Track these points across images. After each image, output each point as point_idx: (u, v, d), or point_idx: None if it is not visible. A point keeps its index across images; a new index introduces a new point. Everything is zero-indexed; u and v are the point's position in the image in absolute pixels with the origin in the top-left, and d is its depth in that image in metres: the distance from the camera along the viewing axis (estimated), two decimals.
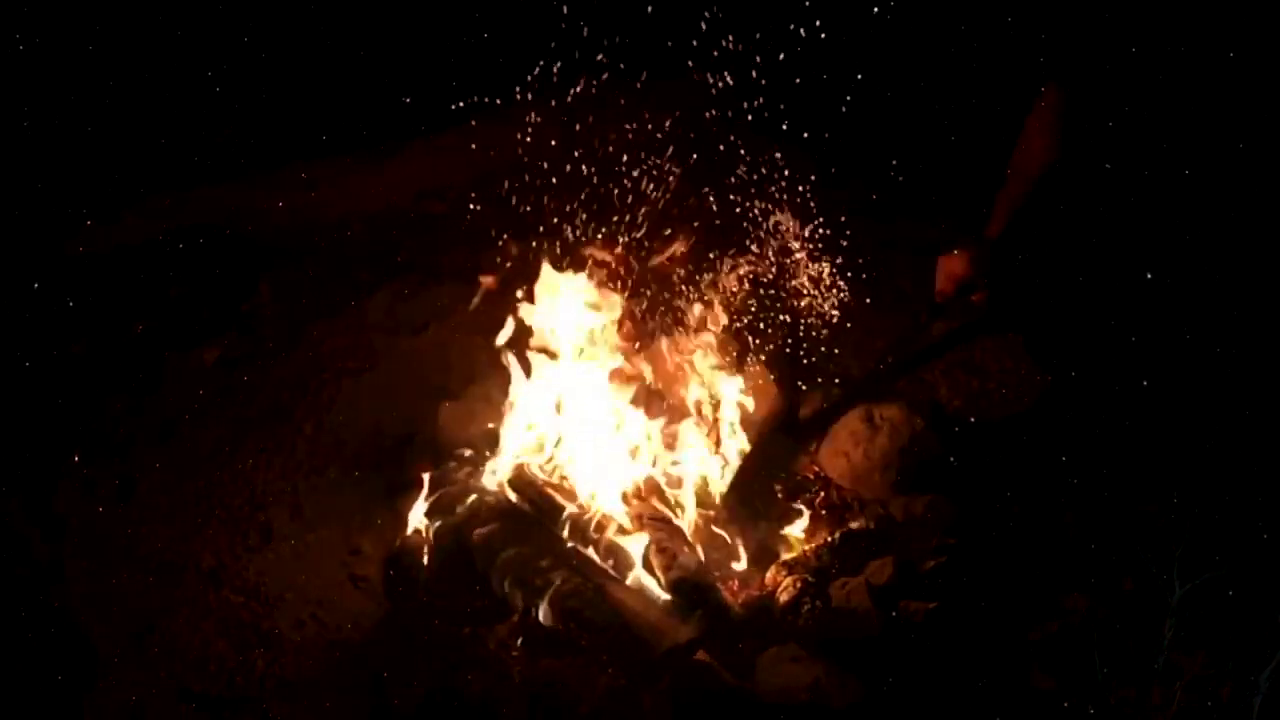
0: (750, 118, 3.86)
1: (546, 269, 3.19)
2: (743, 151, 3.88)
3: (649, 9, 3.91)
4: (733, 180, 3.87)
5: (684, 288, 3.65)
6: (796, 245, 3.72)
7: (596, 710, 2.47)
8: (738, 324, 3.60)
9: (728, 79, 3.79)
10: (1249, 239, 2.77)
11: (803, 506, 3.09)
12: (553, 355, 3.15)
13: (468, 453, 3.18)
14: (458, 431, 3.28)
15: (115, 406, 3.43)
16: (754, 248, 3.76)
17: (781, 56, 3.78)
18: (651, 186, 3.70)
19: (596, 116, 4.09)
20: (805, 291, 3.69)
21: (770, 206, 3.76)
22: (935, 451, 3.11)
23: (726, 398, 3.29)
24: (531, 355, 3.14)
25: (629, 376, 3.23)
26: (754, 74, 3.79)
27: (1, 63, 5.08)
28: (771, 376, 3.44)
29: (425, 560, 2.90)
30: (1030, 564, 2.69)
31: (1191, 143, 2.65)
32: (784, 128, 3.86)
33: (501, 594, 2.75)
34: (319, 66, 5.67)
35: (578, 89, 3.92)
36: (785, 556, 2.89)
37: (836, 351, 3.60)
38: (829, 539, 2.93)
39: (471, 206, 4.17)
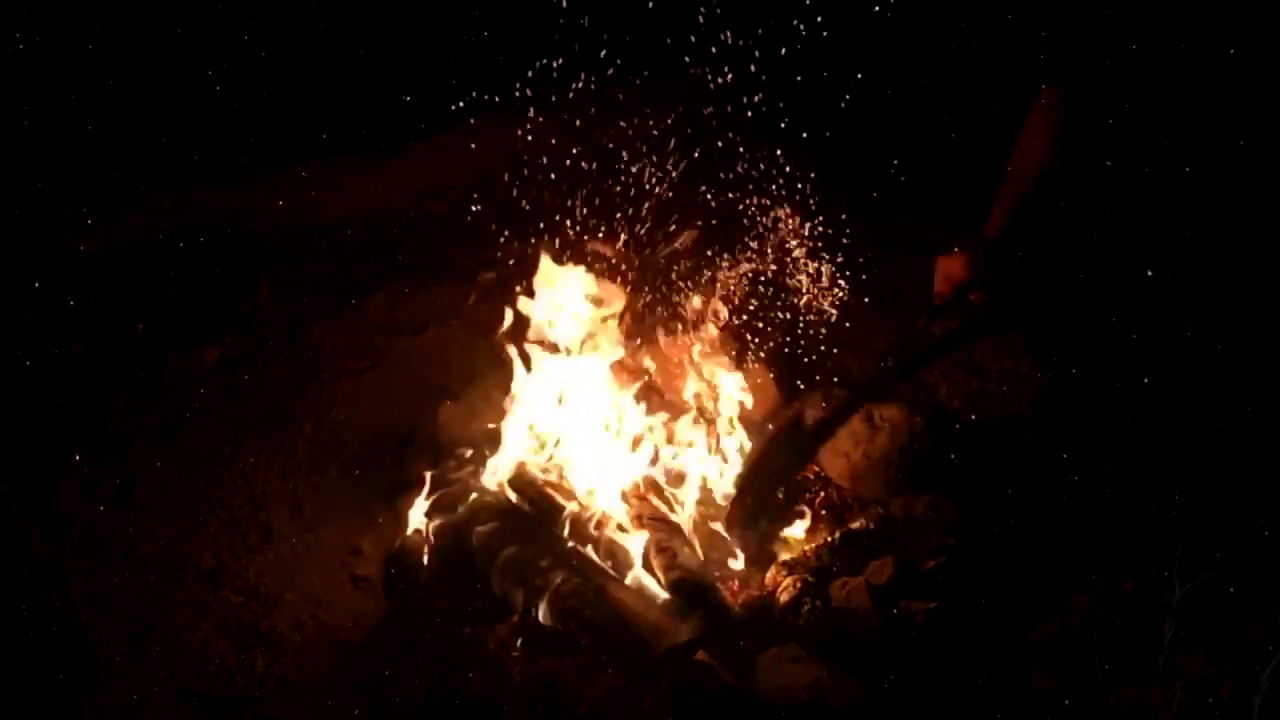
0: (750, 113, 3.87)
1: (547, 264, 3.19)
2: (742, 150, 3.88)
3: (649, 5, 3.91)
4: (733, 179, 3.88)
5: (684, 285, 3.65)
6: (796, 244, 3.73)
7: (596, 710, 2.47)
8: (737, 322, 3.60)
9: (728, 77, 3.80)
10: (1249, 237, 2.76)
11: (803, 506, 3.09)
12: (553, 348, 3.15)
13: (468, 453, 3.18)
14: (458, 431, 3.28)
15: (115, 406, 3.43)
16: (754, 246, 3.76)
17: (782, 53, 3.78)
18: (651, 184, 3.70)
19: (597, 114, 4.10)
20: (805, 290, 3.70)
21: (770, 205, 3.76)
22: (935, 452, 3.11)
23: (726, 396, 3.29)
24: (532, 350, 3.14)
25: (629, 373, 3.24)
26: (754, 72, 3.79)
27: (1, 63, 5.08)
28: (771, 375, 3.44)
29: (425, 560, 2.89)
30: (1030, 564, 2.69)
31: (1191, 140, 2.65)
32: (784, 126, 3.86)
33: (501, 594, 2.75)
34: (319, 66, 5.68)
35: (578, 86, 3.92)
36: (785, 556, 2.89)
37: (835, 351, 3.60)
38: (829, 539, 2.93)
39: (472, 206, 4.17)
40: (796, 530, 3.01)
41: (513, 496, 2.94)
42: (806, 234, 3.74)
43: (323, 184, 4.87)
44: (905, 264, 3.94)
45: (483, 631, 2.74)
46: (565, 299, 3.19)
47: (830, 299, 3.68)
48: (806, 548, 2.94)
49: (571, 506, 2.90)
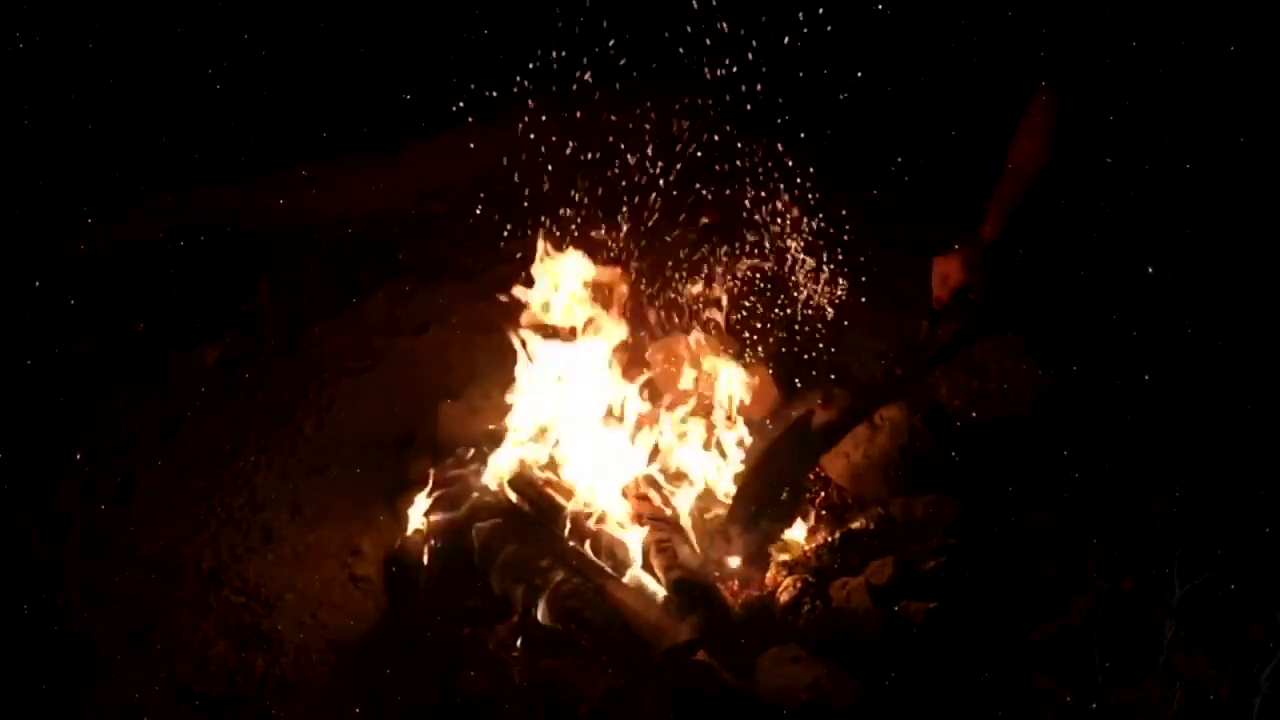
0: (751, 114, 3.87)
1: (547, 260, 3.19)
2: (741, 145, 3.88)
3: (649, 3, 3.91)
4: (732, 178, 3.88)
5: (684, 284, 3.66)
6: (796, 243, 3.73)
7: (596, 710, 2.47)
8: (737, 320, 3.60)
9: (729, 75, 3.79)
10: (1250, 234, 2.76)
11: (803, 506, 3.08)
12: (553, 332, 3.14)
13: (468, 452, 3.18)
14: (458, 431, 3.28)
15: (115, 406, 3.43)
16: (753, 245, 3.77)
17: (783, 50, 3.77)
18: (651, 181, 3.70)
19: (596, 112, 4.09)
20: (805, 289, 3.70)
21: (770, 204, 3.76)
22: (935, 451, 3.11)
23: (726, 394, 3.29)
24: (533, 339, 3.14)
25: (630, 371, 3.24)
26: (755, 72, 3.79)
27: (1, 63, 5.08)
28: (770, 374, 3.44)
29: (425, 560, 2.89)
30: (1030, 564, 2.69)
31: (1191, 137, 2.64)
32: (785, 125, 3.86)
33: (501, 593, 2.75)
34: (320, 66, 5.67)
35: (577, 84, 3.92)
36: (785, 556, 2.89)
37: (835, 350, 3.60)
38: (829, 539, 2.93)
39: (472, 206, 4.17)
40: (796, 530, 3.01)
41: (513, 497, 2.94)
42: (806, 233, 3.75)
43: (323, 183, 4.86)
44: (905, 264, 3.94)
45: (483, 631, 2.74)
46: (566, 294, 3.19)
47: (830, 298, 3.68)
48: (806, 548, 2.94)
49: (571, 505, 2.90)
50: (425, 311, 3.81)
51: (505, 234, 3.81)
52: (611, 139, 3.81)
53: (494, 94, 4.19)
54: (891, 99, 4.63)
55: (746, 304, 3.67)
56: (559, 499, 2.91)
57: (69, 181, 4.62)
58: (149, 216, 4.45)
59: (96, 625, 2.76)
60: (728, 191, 3.99)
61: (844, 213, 3.79)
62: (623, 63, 3.99)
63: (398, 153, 5.21)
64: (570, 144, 3.82)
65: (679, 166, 3.75)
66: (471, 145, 4.75)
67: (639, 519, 2.92)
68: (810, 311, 3.67)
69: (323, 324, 3.75)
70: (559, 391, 3.13)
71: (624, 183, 3.68)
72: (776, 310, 3.67)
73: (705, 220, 3.96)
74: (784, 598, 2.71)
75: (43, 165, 4.69)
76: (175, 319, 3.79)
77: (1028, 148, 2.64)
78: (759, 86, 3.79)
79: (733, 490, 3.06)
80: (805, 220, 3.76)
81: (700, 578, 2.73)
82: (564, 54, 3.87)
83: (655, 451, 3.12)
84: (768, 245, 3.78)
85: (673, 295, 3.65)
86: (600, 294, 3.21)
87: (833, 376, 3.54)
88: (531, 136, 3.82)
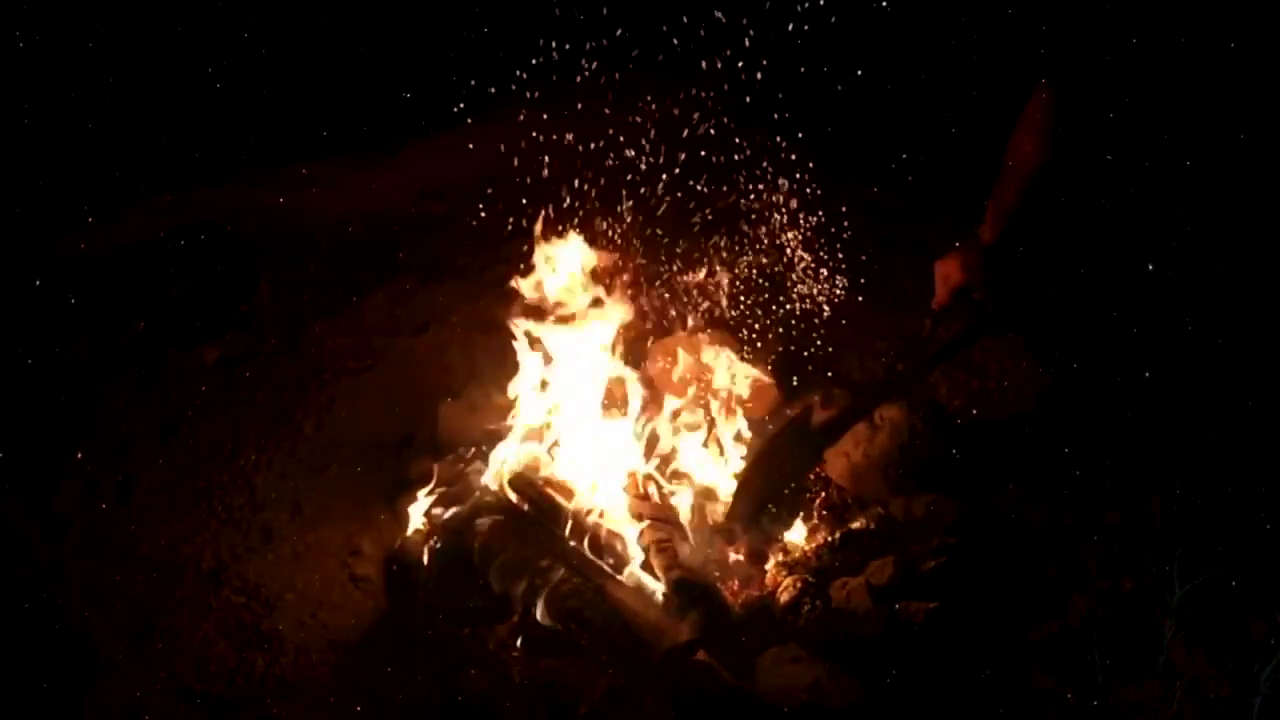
0: (751, 110, 3.86)
1: (548, 258, 3.19)
2: (740, 141, 3.88)
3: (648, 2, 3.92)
4: (732, 177, 3.87)
5: (684, 283, 3.65)
6: (796, 242, 3.73)
7: (596, 710, 2.47)
8: (736, 319, 3.60)
9: (728, 70, 3.79)
10: (1250, 232, 2.75)
11: (803, 506, 3.08)
12: (552, 320, 3.14)
13: (469, 451, 3.18)
14: (458, 431, 3.28)
15: (115, 406, 3.43)
16: (753, 244, 3.76)
17: (783, 45, 3.77)
18: (651, 180, 3.70)
19: (596, 110, 4.09)
20: (804, 288, 3.69)
21: (770, 203, 3.76)
22: (935, 451, 3.10)
23: (726, 393, 3.29)
24: (533, 332, 3.14)
25: (630, 369, 3.24)
26: (755, 70, 3.79)
27: (1, 62, 5.08)
28: (770, 373, 3.44)
29: (425, 560, 2.90)
30: (1030, 564, 2.69)
31: (1191, 134, 2.64)
32: (785, 122, 3.86)
33: (501, 593, 2.75)
34: (319, 65, 5.67)
35: (576, 78, 3.92)
36: (785, 556, 2.88)
37: (834, 350, 3.60)
38: (829, 539, 2.93)
39: (472, 206, 4.16)
40: (796, 530, 3.01)
41: (513, 497, 2.94)
42: (806, 232, 3.74)
43: (323, 183, 4.87)
44: (905, 264, 3.94)
45: (483, 631, 2.74)
46: (563, 272, 3.18)
47: (830, 297, 3.68)
48: (806, 548, 2.94)
49: (571, 505, 2.90)
50: (425, 311, 3.81)
51: (505, 234, 3.81)
52: (611, 131, 3.80)
53: (493, 90, 4.19)
54: (892, 96, 4.63)
55: (746, 302, 3.67)
56: (559, 499, 2.91)
57: (69, 181, 4.62)
58: (149, 216, 4.45)
59: (96, 625, 2.76)
60: (727, 188, 3.99)
61: (844, 210, 3.79)
62: (620, 60, 3.99)
63: (398, 152, 5.21)
64: (568, 139, 3.83)
65: (678, 163, 3.74)
66: (471, 145, 4.75)
67: (639, 518, 2.92)
68: (810, 311, 3.67)
69: (323, 324, 3.75)
70: (559, 384, 3.13)
71: (623, 178, 3.68)
72: (776, 309, 3.67)
73: (705, 218, 3.96)
74: (784, 598, 2.71)
75: (43, 165, 4.69)
76: (175, 319, 3.79)
77: (1025, 147, 2.63)
78: (758, 75, 3.79)
79: (733, 489, 3.06)
80: (805, 218, 3.76)
81: (700, 578, 2.73)
82: (566, 47, 3.87)
83: (655, 450, 3.12)
84: (768, 244, 3.78)
85: (671, 293, 3.65)
86: (600, 281, 3.21)
87: (830, 375, 3.54)
88: (531, 133, 3.81)
